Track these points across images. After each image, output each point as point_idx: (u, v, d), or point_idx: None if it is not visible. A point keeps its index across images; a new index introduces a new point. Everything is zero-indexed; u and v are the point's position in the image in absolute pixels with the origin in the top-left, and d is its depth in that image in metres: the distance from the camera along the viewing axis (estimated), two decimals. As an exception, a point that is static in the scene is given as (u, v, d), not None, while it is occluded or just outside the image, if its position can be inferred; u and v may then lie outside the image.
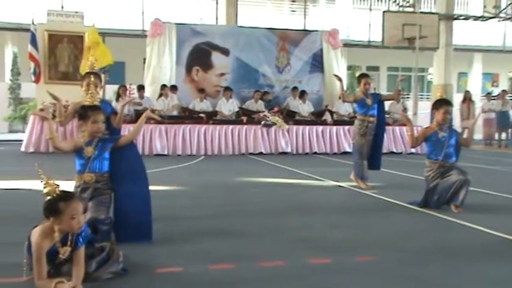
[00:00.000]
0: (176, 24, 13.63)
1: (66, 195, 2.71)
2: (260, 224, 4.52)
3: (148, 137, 11.25)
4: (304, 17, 20.02)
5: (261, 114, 12.29)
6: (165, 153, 11.32)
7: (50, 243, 2.69)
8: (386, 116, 8.59)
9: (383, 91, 23.54)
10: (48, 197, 2.67)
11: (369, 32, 20.29)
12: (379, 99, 6.78)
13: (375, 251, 3.61)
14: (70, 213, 2.66)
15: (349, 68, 25.20)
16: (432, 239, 4.07)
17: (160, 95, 12.36)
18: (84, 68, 11.24)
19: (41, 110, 11.47)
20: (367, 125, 6.62)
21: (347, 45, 16.51)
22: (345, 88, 7.07)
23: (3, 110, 22.27)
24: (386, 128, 8.53)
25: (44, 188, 2.68)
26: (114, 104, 10.25)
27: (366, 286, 2.91)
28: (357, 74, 20.05)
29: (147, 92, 12.71)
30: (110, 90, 17.29)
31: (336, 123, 12.99)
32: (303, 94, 13.41)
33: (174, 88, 12.64)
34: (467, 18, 20.41)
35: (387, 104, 10.18)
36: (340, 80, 6.99)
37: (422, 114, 15.79)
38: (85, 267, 2.78)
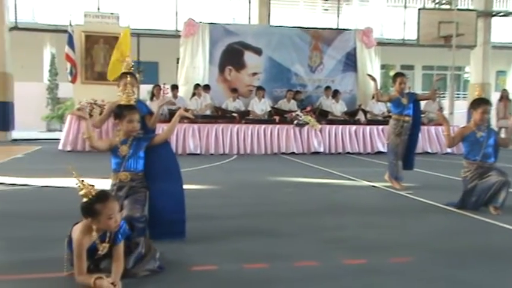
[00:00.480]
0: (209, 24, 13.73)
1: (101, 197, 2.75)
2: (293, 223, 4.52)
3: (182, 136, 11.38)
4: (338, 16, 19.85)
5: (294, 114, 12.26)
6: (198, 152, 11.42)
7: (90, 240, 2.76)
8: (422, 115, 8.43)
9: (418, 90, 23.15)
10: (85, 199, 2.72)
11: (404, 30, 19.97)
12: (414, 99, 6.68)
13: (410, 252, 3.56)
14: (107, 213, 2.72)
15: (383, 67, 24.84)
16: (470, 240, 3.98)
17: (194, 95, 12.48)
18: (115, 67, 11.39)
19: (78, 109, 11.76)
20: (403, 124, 6.53)
21: (381, 43, 16.26)
22: (378, 87, 6.99)
23: (41, 109, 22.89)
24: (421, 128, 8.37)
25: (80, 190, 2.74)
26: (148, 103, 10.37)
27: (402, 287, 2.87)
28: (392, 73, 19.79)
29: (181, 92, 12.85)
30: (144, 90, 17.56)
31: (370, 122, 12.85)
32: (336, 93, 13.32)
33: (207, 88, 12.74)
34: (506, 14, 19.87)
35: (422, 104, 9.99)
36: (374, 79, 6.92)
37: (458, 113, 15.48)
38: (124, 263, 2.83)
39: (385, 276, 3.04)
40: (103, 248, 2.80)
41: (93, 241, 2.77)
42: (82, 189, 2.74)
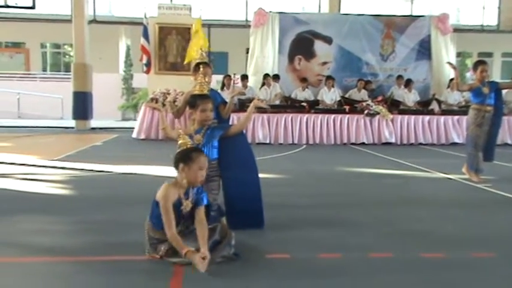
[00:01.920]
0: (279, 13, 13.69)
1: (198, 149, 3.14)
2: (366, 214, 4.45)
3: (251, 125, 11.47)
4: (411, 2, 19.19)
5: (364, 104, 12.03)
6: (267, 141, 11.48)
7: (176, 195, 2.99)
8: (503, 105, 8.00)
9: (496, 79, 21.98)
10: (182, 147, 3.09)
11: (483, 16, 19.00)
12: (496, 88, 6.35)
13: (492, 247, 3.41)
14: (199, 163, 3.00)
15: (459, 54, 23.77)
16: (557, 238, 3.75)
17: (263, 84, 12.53)
18: (189, 57, 11.70)
19: (152, 99, 12.15)
20: (484, 114, 6.24)
21: (457, 30, 15.54)
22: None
23: (117, 99, 23.78)
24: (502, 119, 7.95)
25: (179, 139, 3.13)
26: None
27: (485, 284, 2.76)
28: (468, 61, 18.94)
29: (250, 82, 12.93)
30: (213, 80, 17.87)
31: (444, 112, 12.37)
32: (408, 83, 12.92)
33: (276, 77, 12.75)
34: None
35: (503, 93, 9.48)
36: (454, 68, 6.66)
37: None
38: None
39: (466, 271, 2.94)
40: (186, 205, 3.00)
41: (179, 196, 2.98)
42: (180, 139, 3.12)
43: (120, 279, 2.72)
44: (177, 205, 2.98)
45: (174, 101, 5.01)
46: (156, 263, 2.96)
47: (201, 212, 3.04)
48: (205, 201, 3.09)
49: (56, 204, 4.68)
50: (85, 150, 9.51)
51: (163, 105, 5.51)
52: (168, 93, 11.78)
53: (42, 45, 27.80)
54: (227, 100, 5.03)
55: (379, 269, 2.96)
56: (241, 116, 11.19)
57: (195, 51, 10.94)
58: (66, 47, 27.53)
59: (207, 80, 4.39)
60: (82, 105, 15.62)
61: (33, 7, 14.85)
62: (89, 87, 15.80)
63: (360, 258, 3.13)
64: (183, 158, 3.01)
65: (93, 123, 16.38)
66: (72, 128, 15.77)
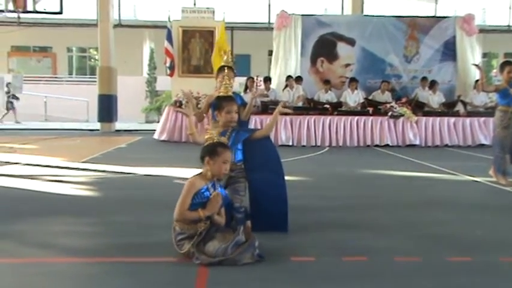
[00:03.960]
0: (302, 15, 13.65)
1: (223, 144, 3.25)
2: (391, 217, 4.40)
3: (274, 128, 11.45)
4: (436, 2, 18.95)
5: (388, 105, 11.91)
6: (290, 144, 11.44)
7: (202, 184, 3.15)
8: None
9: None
10: (209, 141, 3.23)
11: (509, 16, 18.64)
12: (524, 89, 6.20)
13: (522, 252, 3.32)
14: (224, 157, 3.17)
15: (485, 55, 23.44)
16: None
17: (286, 86, 12.50)
18: (216, 62, 11.70)
19: (175, 102, 12.22)
20: (511, 116, 6.10)
21: (483, 31, 15.30)
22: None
23: (141, 102, 24.04)
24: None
25: (206, 135, 3.27)
26: (242, 95, 10.52)
27: (514, 289, 2.69)
28: (494, 62, 18.64)
29: (273, 84, 12.93)
30: (236, 82, 17.91)
31: (470, 114, 12.17)
32: (433, 84, 12.74)
33: (299, 79, 12.71)
34: None
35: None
36: (480, 68, 6.54)
37: None
38: (223, 251, 2.93)
39: (496, 276, 2.86)
40: (214, 194, 3.15)
41: (205, 185, 3.14)
42: (208, 134, 3.26)
43: (145, 281, 2.72)
44: (205, 192, 3.14)
45: (197, 104, 5.04)
46: (180, 264, 2.96)
47: (222, 210, 3.24)
48: (225, 198, 3.27)
49: (82, 206, 4.73)
50: (109, 153, 9.62)
51: (186, 102, 5.53)
52: (198, 98, 11.66)
53: (69, 50, 28.33)
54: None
55: (406, 273, 2.90)
56: (263, 118, 11.24)
57: (220, 56, 11.00)
58: (91, 50, 27.99)
59: (231, 82, 4.39)
60: (107, 108, 15.83)
61: (60, 12, 15.13)
62: (113, 90, 16.00)
63: (386, 261, 3.08)
64: (209, 152, 3.17)
65: (118, 125, 16.58)
66: (97, 130, 15.99)
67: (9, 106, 20.52)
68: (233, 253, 2.95)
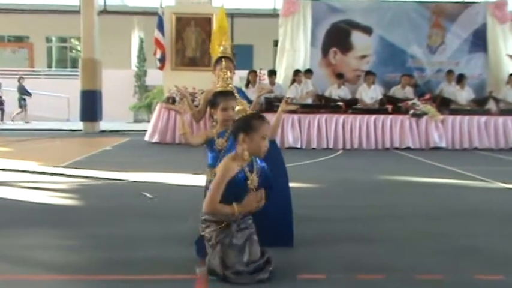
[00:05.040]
0: (311, 0, 13.67)
1: (260, 115, 3.09)
2: (411, 229, 4.40)
3: (280, 128, 11.44)
4: (463, -14, 18.92)
5: (410, 102, 11.91)
6: (298, 146, 11.46)
7: (237, 168, 2.96)
8: None
9: None
10: (240, 115, 3.08)
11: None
12: None
13: (560, 269, 3.32)
14: (262, 132, 2.96)
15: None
16: None
17: (293, 81, 12.50)
18: (215, 52, 11.65)
19: (168, 98, 12.25)
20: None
21: (517, 17, 15.27)
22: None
23: (129, 98, 24.06)
24: None
25: (237, 106, 3.18)
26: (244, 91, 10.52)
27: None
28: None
29: (279, 78, 12.95)
30: (237, 76, 17.92)
31: (503, 113, 12.18)
32: (461, 78, 12.75)
33: (308, 73, 12.72)
34: None
35: None
36: (513, 60, 6.54)
37: None
38: (243, 266, 2.90)
39: (529, 296, 2.87)
40: (252, 180, 2.97)
41: (242, 168, 2.95)
42: (238, 105, 3.16)
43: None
44: (241, 179, 2.96)
45: (193, 101, 5.03)
46: (173, 282, 2.97)
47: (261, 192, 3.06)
48: (267, 178, 3.08)
49: (61, 216, 4.75)
50: (93, 156, 9.65)
51: (180, 99, 5.54)
52: (193, 94, 11.65)
53: (47, 39, 28.43)
54: (252, 99, 5.04)
55: (428, 292, 2.91)
56: (269, 117, 11.21)
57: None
58: (73, 40, 28.12)
59: (230, 75, 4.39)
60: (90, 106, 15.86)
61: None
62: (98, 86, 16.05)
63: (405, 279, 3.09)
64: (244, 127, 2.98)
65: (103, 125, 16.62)
66: (80, 131, 16.04)
67: (22, 103, 20.94)
68: (251, 274, 2.92)
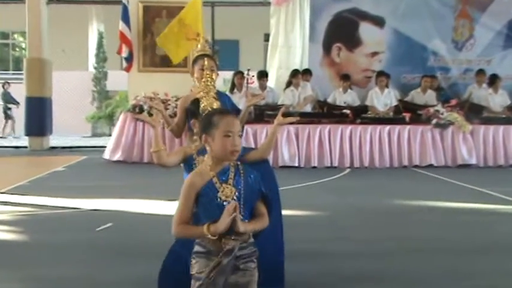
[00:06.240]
0: (310, -15, 13.79)
1: (223, 110, 3.17)
2: (434, 266, 4.43)
3: (273, 146, 11.42)
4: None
5: (432, 110, 11.99)
6: (295, 164, 11.45)
7: (204, 179, 2.83)
8: None
9: None
10: (204, 112, 3.15)
11: None
12: None
13: None
14: (223, 127, 2.83)
15: None
16: None
17: (289, 84, 12.50)
18: (176, 50, 11.54)
19: (134, 107, 12.22)
20: None
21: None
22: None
23: (85, 107, 23.97)
24: None
25: (202, 102, 3.26)
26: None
27: None
28: None
29: (271, 81, 12.97)
30: (219, 77, 17.86)
31: (547, 122, 12.30)
32: (494, 80, 12.85)
33: (307, 73, 12.75)
34: None
35: None
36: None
37: None
38: None
39: None
40: (223, 191, 2.81)
41: (210, 179, 2.83)
42: (203, 101, 3.28)
43: None
44: (209, 192, 2.82)
45: (166, 110, 5.03)
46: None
47: (260, 206, 2.92)
48: (260, 187, 2.91)
49: (1, 254, 4.72)
50: (41, 179, 9.59)
51: (150, 114, 5.53)
52: (166, 101, 11.62)
53: (-16, 35, 28.32)
54: (239, 107, 5.06)
55: None
56: (257, 129, 11.26)
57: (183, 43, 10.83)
58: (16, 36, 28.06)
59: (214, 77, 4.40)
60: (38, 116, 15.74)
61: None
62: (47, 91, 15.97)
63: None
64: (203, 126, 2.93)
65: (53, 141, 16.54)
66: (25, 147, 15.94)
67: (9, 114, 21.07)
68: None
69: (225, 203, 2.77)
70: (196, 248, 2.85)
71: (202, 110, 3.18)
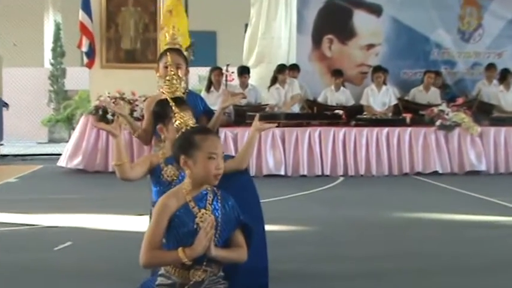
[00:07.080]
0: (297, -32, 13.82)
1: (204, 129, 3.27)
2: (437, 286, 4.45)
3: (256, 148, 11.37)
4: None
5: (436, 110, 12.05)
6: (282, 173, 11.43)
7: (179, 202, 2.89)
8: None
9: None
10: (180, 131, 3.11)
11: None
12: None
13: None
14: (207, 149, 2.92)
15: None
16: None
17: (274, 81, 12.49)
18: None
19: (96, 109, 12.17)
20: None
21: None
22: None
23: (41, 109, 23.82)
24: None
25: (175, 120, 3.20)
26: (203, 95, 10.47)
27: None
28: None
29: (253, 78, 12.95)
30: (194, 74, 17.84)
31: None
32: (505, 75, 12.93)
33: (294, 69, 12.74)
34: None
35: None
36: None
37: None
38: None
39: None
40: (201, 217, 2.86)
41: (185, 203, 2.87)
42: (177, 119, 3.19)
43: None
44: (184, 218, 2.89)
45: (133, 112, 5.01)
46: None
47: (237, 237, 2.99)
48: (237, 214, 3.00)
49: None
50: (-9, 192, 9.57)
51: (111, 119, 5.51)
52: (123, 99, 11.67)
53: None
54: (214, 109, 5.06)
55: None
56: (238, 132, 11.22)
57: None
58: (-40, 27, 27.84)
59: (180, 74, 4.38)
60: (-15, 120, 15.72)
61: None
62: (-4, 91, 15.92)
63: None
64: (183, 146, 2.98)
65: (4, 148, 16.45)
66: (-29, 156, 15.86)
67: None
68: None
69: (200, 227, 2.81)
70: (160, 280, 2.89)
71: (177, 129, 3.14)
